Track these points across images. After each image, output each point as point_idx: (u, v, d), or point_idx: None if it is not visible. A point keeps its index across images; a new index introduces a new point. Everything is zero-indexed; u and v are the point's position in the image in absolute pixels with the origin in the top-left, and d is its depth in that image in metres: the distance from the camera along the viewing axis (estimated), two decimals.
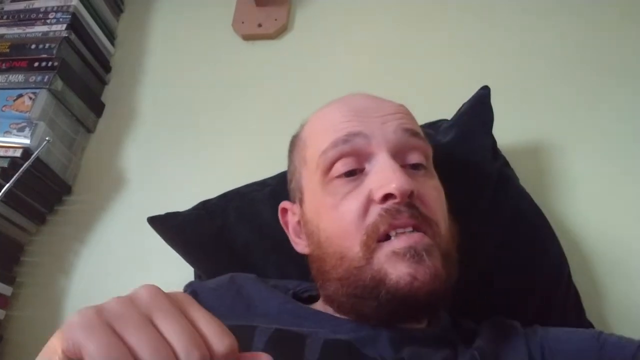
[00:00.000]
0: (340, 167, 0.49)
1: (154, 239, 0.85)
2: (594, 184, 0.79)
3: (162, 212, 0.74)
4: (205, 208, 0.73)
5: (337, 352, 0.45)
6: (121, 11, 1.17)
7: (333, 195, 0.49)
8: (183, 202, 0.75)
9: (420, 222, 0.47)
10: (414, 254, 0.44)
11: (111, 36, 1.12)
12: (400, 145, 0.50)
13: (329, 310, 0.51)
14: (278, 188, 0.73)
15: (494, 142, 0.74)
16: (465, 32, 0.97)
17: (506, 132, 0.77)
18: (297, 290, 0.58)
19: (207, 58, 1.07)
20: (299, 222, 0.56)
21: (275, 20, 1.05)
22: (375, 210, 0.47)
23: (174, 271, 0.81)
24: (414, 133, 0.51)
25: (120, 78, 1.09)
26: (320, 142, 0.51)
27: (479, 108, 0.73)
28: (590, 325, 0.66)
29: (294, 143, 0.59)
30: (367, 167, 0.49)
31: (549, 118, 0.86)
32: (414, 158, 0.51)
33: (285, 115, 0.97)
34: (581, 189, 0.79)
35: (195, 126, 0.99)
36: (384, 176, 0.47)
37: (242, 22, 1.06)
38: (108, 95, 1.07)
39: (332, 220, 0.49)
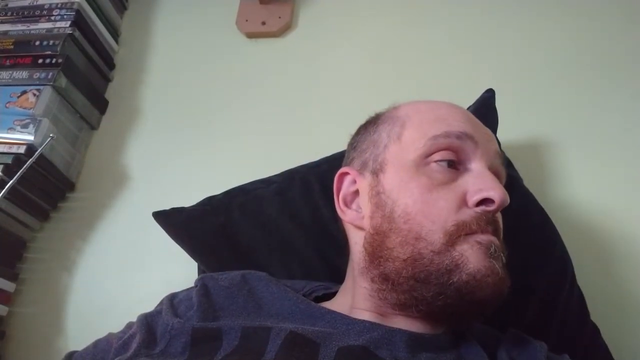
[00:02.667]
0: (442, 155, 0.51)
1: (157, 237, 0.84)
2: (597, 182, 0.79)
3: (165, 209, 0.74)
4: (211, 204, 0.73)
5: (352, 358, 0.45)
6: (125, 8, 1.18)
7: (429, 177, 0.50)
8: (186, 199, 0.75)
9: (497, 238, 0.49)
10: (494, 250, 0.46)
11: (115, 33, 1.12)
12: (494, 166, 0.52)
13: (342, 309, 0.51)
14: (284, 185, 0.73)
15: (498, 143, 0.74)
16: (469, 32, 0.97)
17: (508, 130, 0.77)
18: (305, 292, 0.58)
19: (211, 56, 1.07)
20: (355, 192, 0.56)
21: (279, 18, 1.05)
22: (468, 212, 0.48)
23: (177, 269, 0.81)
24: (503, 161, 0.55)
25: (124, 75, 1.09)
26: (430, 128, 0.52)
27: (484, 111, 0.73)
28: (594, 327, 0.65)
29: (381, 118, 0.59)
30: (466, 167, 0.51)
31: (550, 116, 0.86)
32: None
33: (288, 113, 0.97)
34: (584, 187, 0.79)
35: (198, 124, 0.99)
36: (485, 182, 0.48)
37: (246, 20, 1.06)
38: (112, 93, 1.07)
39: (422, 199, 0.49)
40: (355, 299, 0.52)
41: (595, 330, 0.65)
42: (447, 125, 0.52)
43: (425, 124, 0.53)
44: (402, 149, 0.53)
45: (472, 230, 0.47)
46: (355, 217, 0.54)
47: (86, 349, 0.56)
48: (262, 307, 0.53)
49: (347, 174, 0.58)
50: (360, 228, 0.54)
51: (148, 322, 0.53)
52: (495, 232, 0.48)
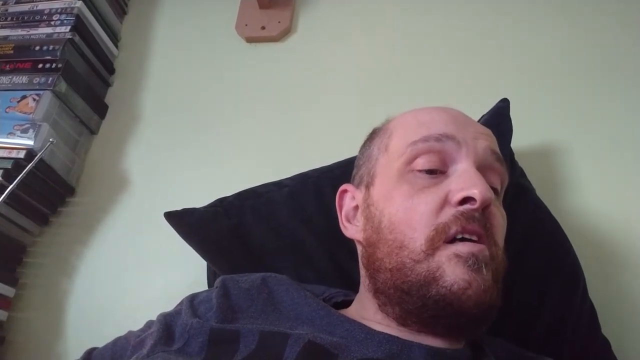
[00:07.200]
0: (424, 162, 0.50)
1: (157, 241, 0.85)
2: (611, 191, 0.78)
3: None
4: (223, 205, 0.73)
5: None
6: (125, 13, 1.18)
7: (411, 184, 0.49)
8: (186, 204, 0.74)
9: (487, 236, 0.47)
10: (474, 262, 0.44)
11: (115, 38, 1.12)
12: (485, 163, 0.51)
13: (361, 318, 0.50)
14: (296, 189, 0.73)
15: (511, 153, 0.74)
16: (475, 38, 0.96)
17: (520, 138, 0.76)
18: (325, 297, 0.57)
19: (211, 60, 1.07)
20: (355, 207, 0.57)
21: (279, 22, 1.05)
22: (450, 211, 0.47)
23: (177, 273, 0.81)
24: (498, 158, 0.53)
25: (123, 80, 1.09)
26: (411, 134, 0.52)
27: (499, 120, 0.73)
28: (606, 341, 0.64)
29: (376, 132, 0.60)
30: (449, 170, 0.50)
31: (563, 124, 0.84)
32: (493, 181, 0.52)
33: (288, 117, 0.97)
34: (598, 196, 0.78)
35: (198, 128, 0.99)
36: (467, 180, 0.47)
37: (246, 25, 1.06)
38: (111, 97, 1.07)
39: (403, 207, 0.49)
40: (369, 313, 0.52)
41: (606, 345, 0.64)
42: (427, 129, 0.51)
43: (408, 131, 0.53)
44: (388, 159, 0.54)
45: (452, 234, 0.46)
46: (355, 231, 0.55)
47: (106, 346, 0.57)
48: (281, 311, 0.53)
49: (346, 191, 0.59)
50: (360, 242, 0.54)
51: (167, 321, 0.53)
52: (484, 228, 0.47)
